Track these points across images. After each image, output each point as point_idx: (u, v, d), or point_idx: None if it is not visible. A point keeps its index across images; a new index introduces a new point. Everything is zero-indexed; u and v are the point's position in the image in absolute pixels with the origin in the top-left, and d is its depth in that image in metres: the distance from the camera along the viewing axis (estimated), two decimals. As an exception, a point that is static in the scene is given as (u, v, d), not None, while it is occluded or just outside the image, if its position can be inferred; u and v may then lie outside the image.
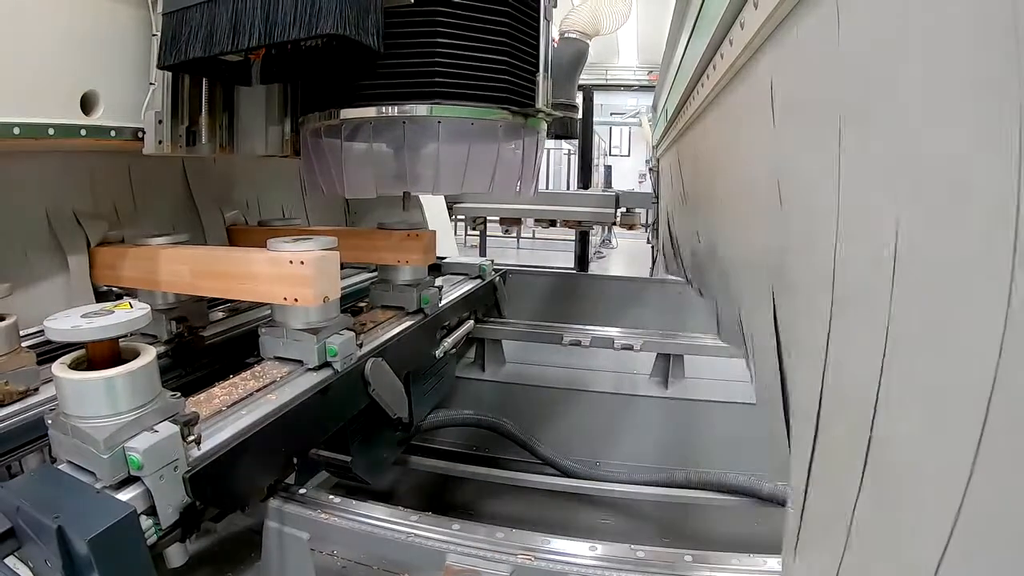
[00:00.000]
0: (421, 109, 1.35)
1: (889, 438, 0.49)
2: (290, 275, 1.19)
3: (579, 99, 3.54)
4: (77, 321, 0.90)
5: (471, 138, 1.41)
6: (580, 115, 3.49)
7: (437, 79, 1.33)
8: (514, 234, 9.38)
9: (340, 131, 1.43)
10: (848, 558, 0.56)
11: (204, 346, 1.54)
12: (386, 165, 1.43)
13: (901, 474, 0.47)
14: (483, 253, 5.72)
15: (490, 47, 1.38)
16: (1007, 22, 0.36)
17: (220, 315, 1.73)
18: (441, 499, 2.25)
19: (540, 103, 1.52)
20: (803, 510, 0.73)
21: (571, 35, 3.18)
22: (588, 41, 3.26)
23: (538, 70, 1.52)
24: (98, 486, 0.85)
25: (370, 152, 1.41)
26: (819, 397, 0.69)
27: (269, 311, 1.39)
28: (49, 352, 1.20)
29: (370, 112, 1.37)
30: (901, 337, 0.49)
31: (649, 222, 4.13)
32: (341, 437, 1.48)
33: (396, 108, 1.36)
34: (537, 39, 1.52)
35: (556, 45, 3.04)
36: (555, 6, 1.58)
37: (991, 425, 0.36)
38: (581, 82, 3.58)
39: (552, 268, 4.23)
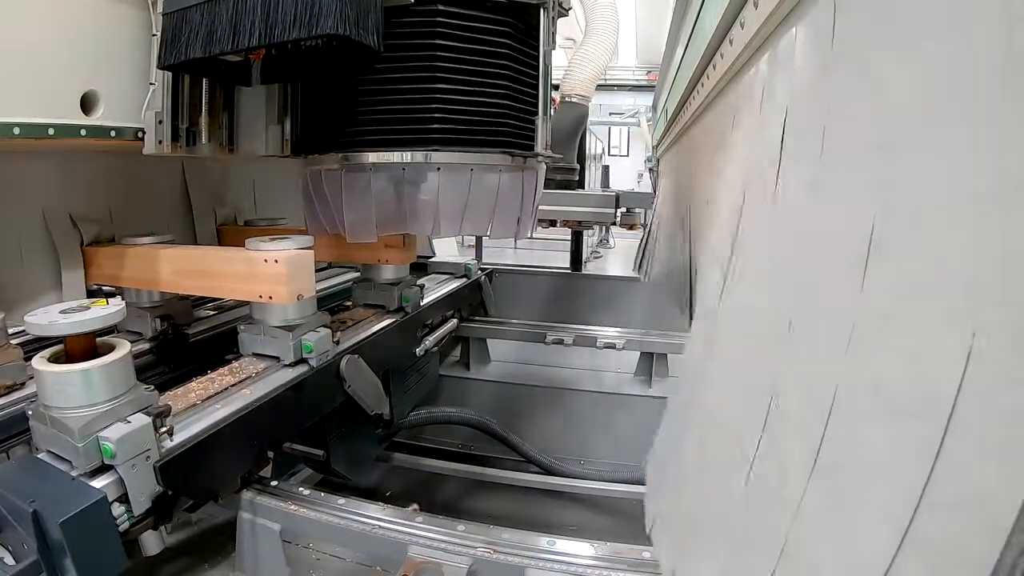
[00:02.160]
0: (419, 156, 1.35)
1: (846, 439, 0.49)
2: (265, 273, 1.23)
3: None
4: (55, 317, 0.95)
5: (470, 182, 1.41)
6: (578, 177, 3.45)
7: (435, 125, 1.32)
8: (512, 234, 9.34)
9: (340, 175, 1.42)
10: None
11: (189, 343, 1.58)
12: (386, 208, 1.42)
13: (855, 476, 0.47)
14: (479, 255, 5.73)
15: (490, 92, 1.37)
16: (999, 25, 0.36)
17: (207, 313, 1.77)
18: (425, 496, 2.29)
19: (539, 147, 1.51)
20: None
21: (572, 99, 3.05)
22: (588, 104, 3.18)
23: (537, 113, 1.50)
24: (74, 473, 0.90)
25: (369, 196, 1.41)
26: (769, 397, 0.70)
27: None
28: (39, 350, 1.24)
29: (369, 157, 1.37)
30: (863, 337, 0.49)
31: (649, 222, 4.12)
32: (320, 433, 1.52)
33: (395, 154, 1.36)
34: (536, 82, 1.50)
35: (557, 108, 2.91)
36: (554, 48, 1.55)
37: (953, 429, 0.36)
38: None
39: (544, 268, 4.25)
